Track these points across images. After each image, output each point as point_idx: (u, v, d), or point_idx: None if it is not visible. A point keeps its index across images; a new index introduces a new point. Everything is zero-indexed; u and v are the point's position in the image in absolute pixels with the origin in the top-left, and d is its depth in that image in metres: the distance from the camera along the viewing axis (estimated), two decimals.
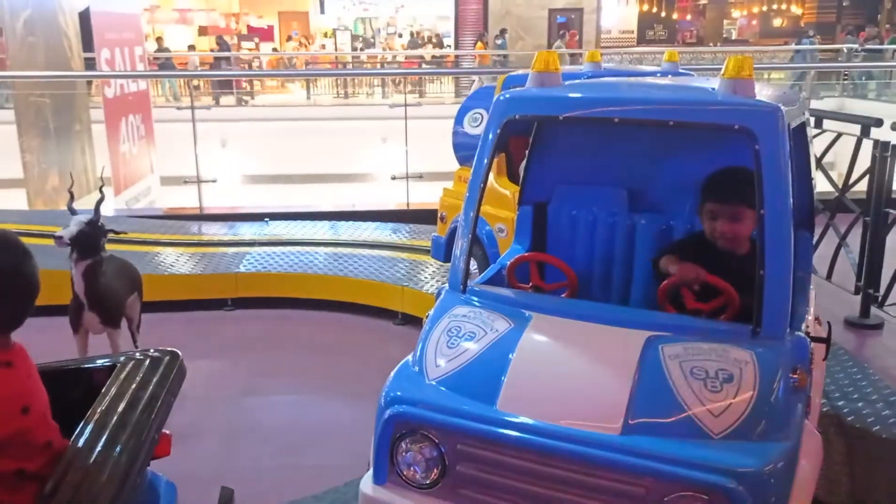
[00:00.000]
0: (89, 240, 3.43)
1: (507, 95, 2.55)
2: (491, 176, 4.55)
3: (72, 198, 3.62)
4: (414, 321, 4.81)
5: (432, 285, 4.98)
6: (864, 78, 18.00)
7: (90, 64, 8.85)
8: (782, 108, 2.23)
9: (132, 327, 4.02)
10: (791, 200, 2.19)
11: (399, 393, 2.23)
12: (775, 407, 2.06)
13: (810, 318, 2.70)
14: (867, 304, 4.74)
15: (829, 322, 2.80)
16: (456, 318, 2.41)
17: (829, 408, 3.52)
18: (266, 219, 6.56)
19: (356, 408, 3.91)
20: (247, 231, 6.34)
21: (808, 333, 2.39)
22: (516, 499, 2.08)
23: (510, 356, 2.20)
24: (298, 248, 5.88)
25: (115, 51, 8.20)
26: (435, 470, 2.16)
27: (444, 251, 4.79)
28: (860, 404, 3.55)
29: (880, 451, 3.19)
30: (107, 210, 7.13)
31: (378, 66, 23.25)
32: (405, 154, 7.52)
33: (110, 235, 3.58)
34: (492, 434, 2.08)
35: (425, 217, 6.16)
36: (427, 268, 5.38)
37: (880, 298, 4.67)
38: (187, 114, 7.25)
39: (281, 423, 3.83)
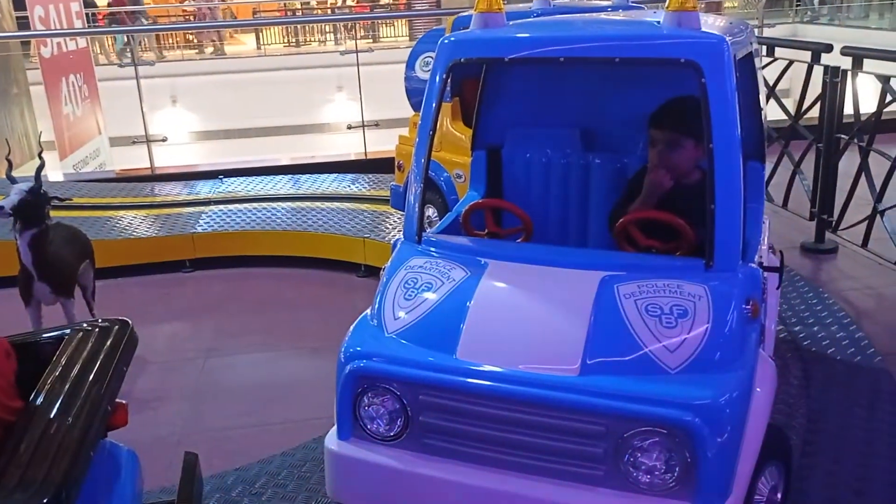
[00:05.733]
0: (32, 209, 3.32)
1: (452, 38, 2.49)
2: (447, 121, 4.54)
3: (10, 166, 3.49)
4: (377, 272, 4.77)
5: (394, 235, 4.94)
6: (815, 2, 18.01)
7: (23, 24, 8.45)
8: (727, 39, 2.21)
9: (87, 296, 3.94)
10: (739, 132, 2.18)
11: (358, 348, 2.22)
12: (729, 338, 2.09)
13: (764, 247, 2.73)
14: (822, 230, 4.83)
15: (781, 251, 2.84)
16: (412, 270, 2.39)
17: (786, 333, 3.61)
18: (220, 176, 6.43)
19: (322, 362, 3.89)
20: (202, 189, 6.21)
21: (761, 263, 2.42)
22: (480, 444, 2.10)
23: (468, 305, 2.20)
24: (256, 204, 5.79)
25: (49, 8, 7.84)
26: (398, 422, 2.17)
27: (402, 200, 4.74)
28: (816, 328, 3.65)
29: (836, 374, 3.28)
30: (54, 175, 6.94)
31: (329, 11, 22.62)
32: (360, 102, 7.40)
33: (55, 202, 3.47)
34: (453, 383, 2.09)
35: (385, 165, 6.09)
36: (389, 218, 5.34)
37: (834, 223, 4.76)
38: (131, 71, 7.00)
39: (246, 383, 3.81)
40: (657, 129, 2.56)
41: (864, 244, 4.49)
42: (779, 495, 2.26)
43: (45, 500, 1.39)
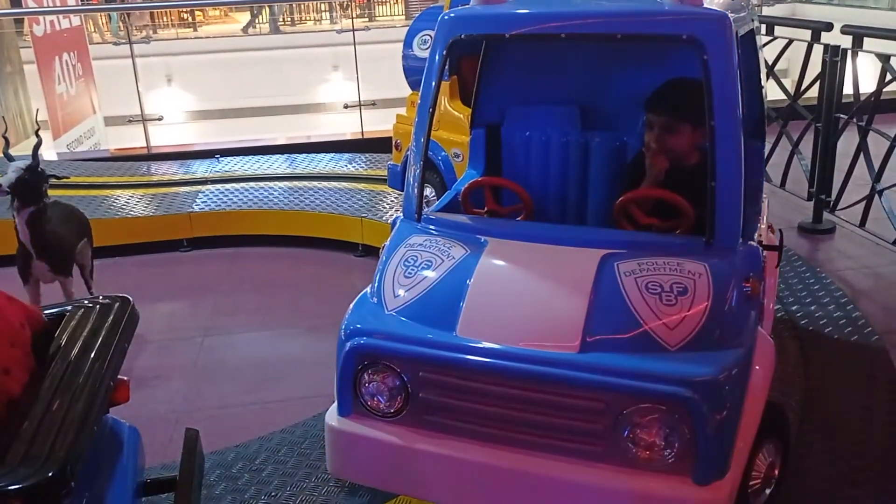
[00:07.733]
0: (30, 186, 3.31)
1: (452, 14, 2.47)
2: (444, 100, 4.52)
3: (7, 144, 3.47)
4: (375, 252, 4.78)
5: (392, 214, 4.94)
6: None
7: (16, 1, 8.36)
8: (730, 15, 2.19)
9: (85, 274, 3.94)
10: (740, 110, 2.18)
11: (359, 325, 2.23)
12: (729, 316, 2.10)
13: (763, 226, 2.73)
14: (820, 210, 4.83)
15: (780, 230, 2.84)
16: (412, 248, 2.39)
17: (784, 312, 3.62)
18: (217, 155, 6.40)
19: (320, 341, 3.92)
20: (198, 169, 6.18)
21: (760, 242, 2.42)
22: (480, 420, 2.11)
23: (468, 282, 2.20)
24: (253, 183, 5.77)
25: None
26: (399, 398, 2.17)
27: (400, 179, 4.74)
28: (813, 307, 3.66)
29: (833, 353, 3.30)
30: (48, 155, 6.90)
31: None
32: (357, 81, 7.35)
33: (52, 181, 3.45)
34: (453, 360, 2.09)
35: (382, 145, 6.07)
36: (386, 197, 5.33)
37: (832, 203, 4.76)
38: (126, 49, 6.94)
39: (244, 361, 3.82)
40: (654, 113, 2.55)
41: (862, 224, 4.50)
42: (776, 472, 2.28)
43: (49, 475, 1.39)
